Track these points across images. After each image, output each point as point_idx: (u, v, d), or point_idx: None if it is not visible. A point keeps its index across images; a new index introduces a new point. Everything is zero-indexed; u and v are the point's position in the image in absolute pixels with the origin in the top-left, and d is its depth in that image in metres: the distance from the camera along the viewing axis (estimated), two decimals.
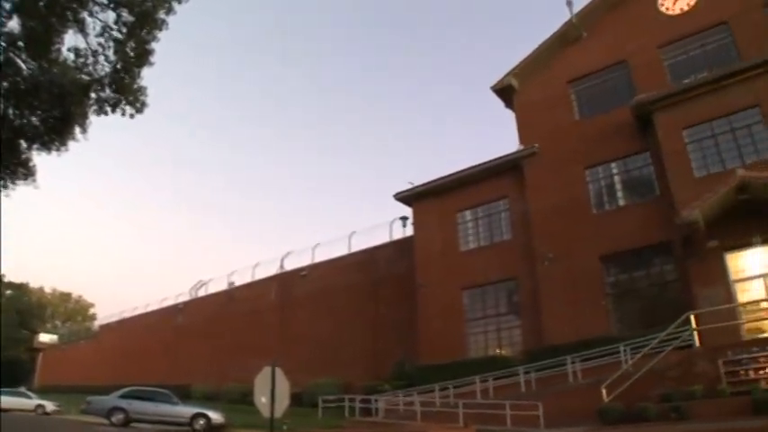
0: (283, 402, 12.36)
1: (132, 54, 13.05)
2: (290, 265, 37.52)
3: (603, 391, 16.34)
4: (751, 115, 20.70)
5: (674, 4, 24.93)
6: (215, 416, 20.72)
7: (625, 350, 18.33)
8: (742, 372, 15.24)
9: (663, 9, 25.16)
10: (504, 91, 27.97)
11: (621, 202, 23.95)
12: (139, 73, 13.38)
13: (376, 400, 22.86)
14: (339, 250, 34.39)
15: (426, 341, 25.71)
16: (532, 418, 17.08)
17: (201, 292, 45.15)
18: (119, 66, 13.10)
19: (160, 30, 12.93)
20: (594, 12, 26.55)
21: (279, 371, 12.34)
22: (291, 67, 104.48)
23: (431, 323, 25.94)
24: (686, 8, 24.58)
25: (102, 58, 13.06)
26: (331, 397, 24.45)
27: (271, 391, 12.16)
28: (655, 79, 23.90)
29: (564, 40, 26.97)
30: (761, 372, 15.06)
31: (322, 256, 35.54)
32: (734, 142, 20.86)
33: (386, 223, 32.88)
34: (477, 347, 25.10)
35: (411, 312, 27.10)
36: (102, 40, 12.81)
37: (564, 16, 26.92)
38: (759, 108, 20.57)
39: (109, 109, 13.45)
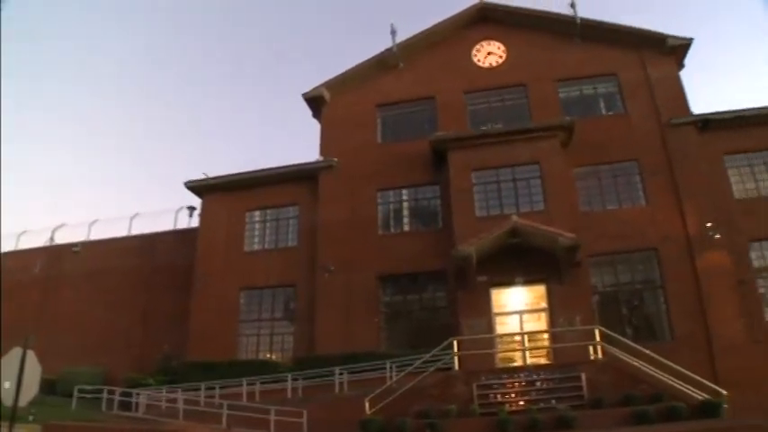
0: (31, 389, 10.69)
1: None
2: (63, 238, 33.65)
3: (367, 404, 16.74)
4: (532, 170, 23.06)
5: (485, 58, 27.33)
6: None
7: (391, 367, 18.94)
8: (492, 395, 16.54)
9: (475, 60, 27.39)
10: (314, 100, 28.00)
11: (406, 228, 25.08)
12: None
13: (137, 395, 21.13)
14: (118, 230, 31.52)
15: (197, 337, 24.43)
16: (296, 425, 16.93)
17: None
18: None
19: None
20: (415, 46, 27.91)
21: (31, 353, 10.75)
22: (101, 33, 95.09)
23: (204, 320, 24.71)
24: (494, 65, 27.12)
25: None
26: (89, 387, 21.98)
27: (18, 375, 10.55)
28: (456, 120, 25.75)
29: (382, 65, 27.92)
30: (507, 396, 16.51)
31: (99, 234, 32.27)
32: (514, 191, 22.99)
33: (172, 210, 31.03)
34: (248, 349, 24.40)
35: (186, 306, 25.60)
36: None
37: (387, 42, 28.01)
38: (539, 165, 22.99)
39: None
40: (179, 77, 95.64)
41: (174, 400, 19.67)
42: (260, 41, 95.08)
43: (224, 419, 17.30)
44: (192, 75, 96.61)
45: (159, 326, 26.90)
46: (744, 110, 23.56)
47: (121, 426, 18.50)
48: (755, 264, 21.82)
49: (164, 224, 30.78)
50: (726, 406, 14.73)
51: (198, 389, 20.25)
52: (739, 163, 23.33)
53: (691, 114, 23.93)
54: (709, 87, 75.31)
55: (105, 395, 21.27)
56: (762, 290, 21.53)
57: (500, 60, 27.06)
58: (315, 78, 57.90)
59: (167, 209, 31.16)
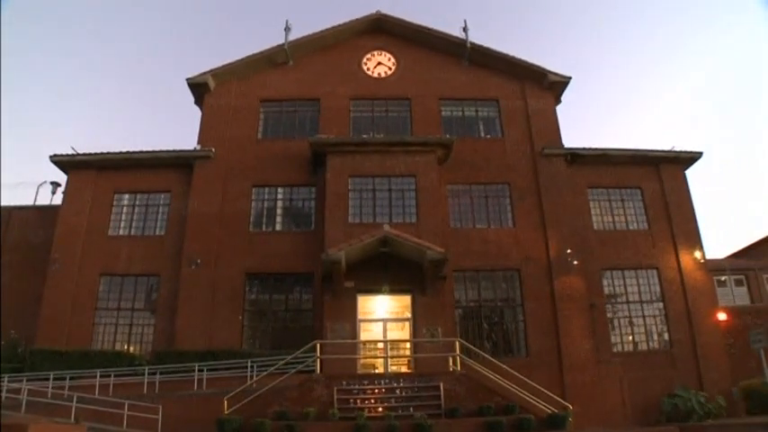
0: None
1: None
2: None
3: (225, 403, 16.28)
4: (407, 182, 23.45)
5: (375, 68, 27.68)
6: None
7: (252, 366, 18.58)
8: (352, 400, 16.55)
9: (365, 68, 27.63)
10: (198, 87, 26.85)
11: (278, 227, 24.58)
12: None
13: None
14: None
15: (49, 323, 22.36)
16: (151, 421, 16.10)
17: None
18: None
19: None
20: (307, 46, 27.66)
21: None
22: None
23: (58, 304, 22.71)
24: (383, 75, 27.50)
25: None
26: None
27: None
28: (339, 125, 25.77)
29: (270, 60, 27.38)
30: (366, 402, 16.59)
31: None
32: (388, 201, 23.21)
33: (34, 184, 28.60)
34: (104, 340, 22.70)
35: (40, 289, 23.31)
36: None
37: (279, 38, 27.74)
38: (415, 179, 23.43)
39: None
40: (61, 48, 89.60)
41: (18, 391, 17.88)
42: (153, 20, 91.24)
43: (72, 412, 15.98)
44: (75, 47, 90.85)
45: (7, 309, 24.40)
46: (608, 149, 25.54)
47: None
48: (606, 290, 23.61)
49: (23, 198, 28.31)
50: (571, 419, 15.66)
51: (46, 379, 18.60)
52: (600, 197, 25.19)
53: (562, 147, 25.46)
54: (583, 123, 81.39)
55: None
56: (609, 314, 23.25)
57: (389, 72, 27.52)
58: (203, 64, 56.23)
59: (29, 182, 28.81)
